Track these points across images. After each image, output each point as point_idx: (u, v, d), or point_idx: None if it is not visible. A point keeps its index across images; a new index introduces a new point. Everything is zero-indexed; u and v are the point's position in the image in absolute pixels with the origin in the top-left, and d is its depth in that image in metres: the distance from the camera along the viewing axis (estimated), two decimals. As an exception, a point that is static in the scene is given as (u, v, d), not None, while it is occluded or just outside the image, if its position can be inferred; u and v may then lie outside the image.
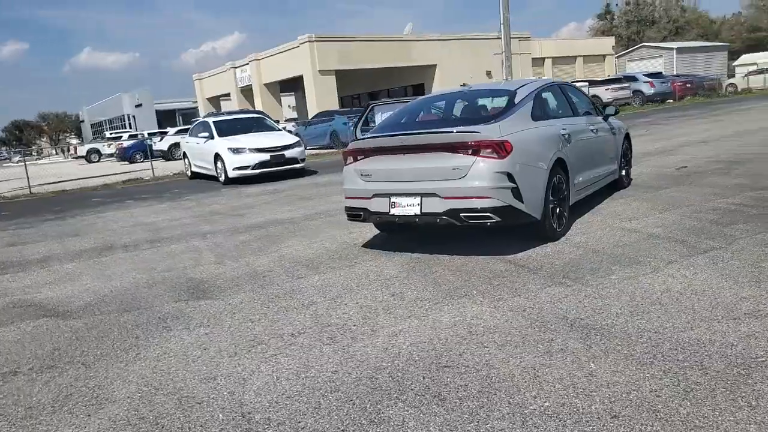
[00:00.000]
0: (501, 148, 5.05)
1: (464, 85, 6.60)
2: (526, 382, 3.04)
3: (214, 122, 14.74)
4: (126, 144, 32.16)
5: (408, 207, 5.37)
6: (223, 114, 16.67)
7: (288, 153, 13.70)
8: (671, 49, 45.35)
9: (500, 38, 37.76)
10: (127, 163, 30.21)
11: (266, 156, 13.40)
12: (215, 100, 46.20)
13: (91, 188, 17.12)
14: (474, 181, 5.05)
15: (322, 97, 31.39)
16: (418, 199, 5.31)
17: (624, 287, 4.28)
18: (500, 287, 4.54)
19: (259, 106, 35.20)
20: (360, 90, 38.98)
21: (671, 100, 29.53)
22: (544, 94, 6.22)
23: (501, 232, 6.05)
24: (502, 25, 22.66)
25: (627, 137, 8.33)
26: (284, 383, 3.28)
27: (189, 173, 16.36)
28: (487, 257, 5.37)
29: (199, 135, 14.80)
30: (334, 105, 31.39)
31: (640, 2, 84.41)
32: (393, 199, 5.45)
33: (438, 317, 4.04)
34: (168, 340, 4.11)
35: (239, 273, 5.74)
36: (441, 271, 5.09)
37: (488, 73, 37.58)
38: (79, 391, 3.43)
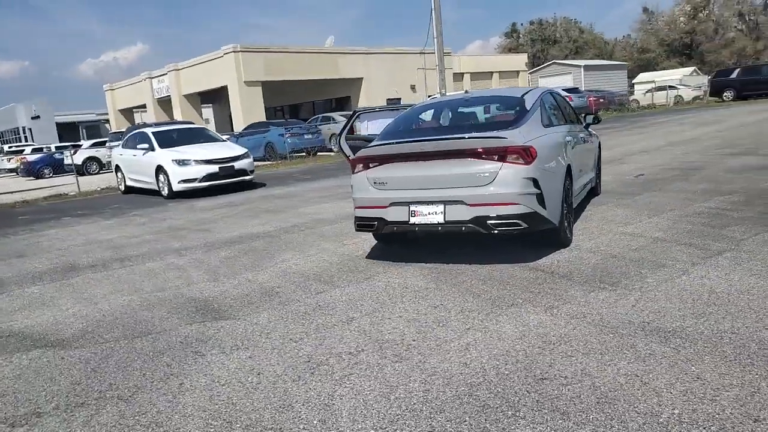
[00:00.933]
0: (527, 154, 5.00)
1: (466, 92, 6.53)
2: (638, 389, 2.94)
3: (153, 133, 13.90)
4: (31, 158, 29.73)
5: (430, 215, 5.20)
6: (160, 125, 15.78)
7: (237, 164, 13.13)
8: (579, 66, 48.06)
9: (424, 53, 38.59)
10: (33, 178, 27.96)
11: (214, 168, 12.77)
12: (128, 112, 43.95)
13: (9, 205, 15.62)
14: (502, 187, 4.97)
15: (248, 108, 30.58)
16: (441, 207, 5.15)
17: (667, 290, 4.32)
18: (542, 295, 4.46)
19: (178, 118, 33.77)
20: (285, 102, 38.36)
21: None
22: (546, 102, 6.27)
23: (500, 240, 6.00)
24: (435, 39, 22.98)
25: (599, 146, 8.60)
26: (376, 406, 3.01)
27: (122, 187, 15.31)
28: (508, 265, 5.29)
29: (138, 147, 13.88)
30: (260, 117, 30.66)
31: (543, 22, 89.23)
32: (413, 207, 5.26)
33: (499, 328, 3.89)
34: (208, 367, 3.70)
35: (246, 290, 5.33)
36: (470, 281, 4.95)
37: (413, 87, 38.17)
38: (135, 430, 2.98)
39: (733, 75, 31.50)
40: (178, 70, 35.44)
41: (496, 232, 5.08)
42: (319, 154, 22.45)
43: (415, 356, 3.58)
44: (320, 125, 23.27)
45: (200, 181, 12.65)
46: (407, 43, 47.32)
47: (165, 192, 13.02)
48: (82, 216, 11.74)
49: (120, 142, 17.03)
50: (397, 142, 5.46)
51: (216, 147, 13.59)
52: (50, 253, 8.04)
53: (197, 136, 14.44)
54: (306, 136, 21.48)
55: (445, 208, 5.12)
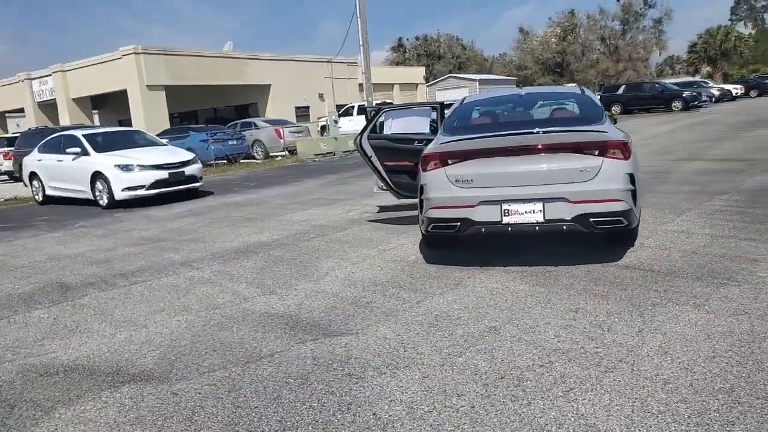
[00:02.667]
0: (626, 149, 4.87)
1: (518, 92, 6.29)
2: None
3: (85, 136, 12.35)
4: None
5: (527, 214, 4.89)
6: (90, 128, 14.11)
7: (187, 170, 12.00)
8: (475, 80, 50.12)
9: (332, 62, 38.30)
10: None
11: (164, 174, 11.56)
12: (0, 117, 39.41)
13: None
14: (605, 183, 4.78)
15: (151, 114, 28.48)
16: (539, 205, 4.86)
17: (791, 282, 4.33)
18: (671, 293, 4.32)
19: (65, 123, 30.70)
20: (188, 108, 36.22)
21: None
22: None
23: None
24: (361, 47, 22.79)
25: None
26: (650, 421, 2.65)
27: (39, 197, 13.46)
28: (597, 265, 5.11)
29: (65, 151, 12.26)
30: (164, 123, 28.69)
31: (428, 38, 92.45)
32: (506, 206, 4.92)
33: (675, 329, 3.68)
34: (385, 390, 3.15)
35: (326, 302, 4.71)
36: (575, 282, 4.70)
37: (321, 96, 37.66)
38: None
39: (620, 91, 34.21)
40: (65, 71, 32.26)
41: (597, 230, 4.88)
42: (241, 161, 21.31)
43: (619, 364, 3.26)
44: (242, 131, 22.12)
45: (147, 189, 11.40)
46: (312, 51, 46.28)
47: (104, 201, 11.59)
48: (15, 230, 10.10)
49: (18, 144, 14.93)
50: (483, 137, 5.11)
51: (161, 151, 12.36)
52: (16, 272, 6.75)
53: (135, 139, 13.06)
54: (230, 142, 20.30)
55: (544, 206, 4.84)
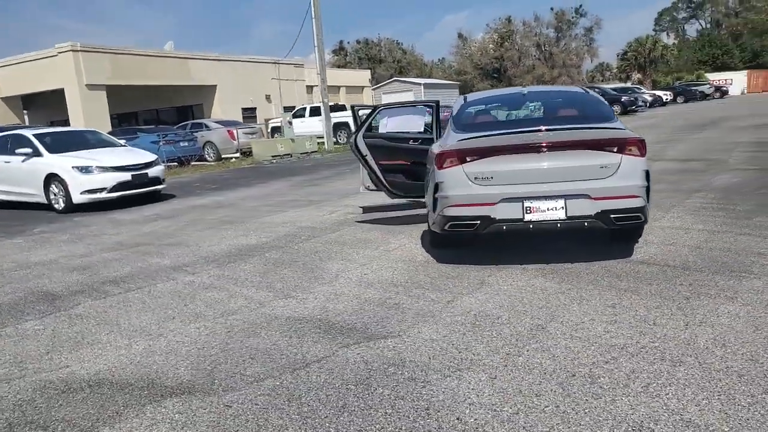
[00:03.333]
0: (642, 146, 4.94)
1: (521, 90, 6.26)
2: None
3: (36, 135, 11.57)
4: None
5: (549, 211, 4.87)
6: (37, 127, 13.25)
7: (151, 172, 11.44)
8: (420, 84, 50.56)
9: (278, 63, 37.74)
10: None
11: (127, 176, 10.97)
12: None
13: None
14: (625, 179, 4.83)
15: (91, 114, 27.12)
16: (561, 202, 4.85)
17: (806, 274, 4.50)
18: (696, 286, 4.40)
19: (-6, 125, 28.83)
20: (127, 109, 34.72)
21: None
22: (597, 100, 6.28)
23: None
24: (316, 47, 22.53)
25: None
26: (745, 414, 2.65)
27: (-19, 202, 12.51)
28: (612, 261, 5.17)
29: (14, 152, 11.43)
30: (105, 124, 27.36)
31: (369, 42, 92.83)
32: (528, 203, 4.89)
33: (720, 321, 3.74)
34: (472, 393, 3.01)
35: (352, 305, 4.55)
36: (602, 279, 4.73)
37: (268, 98, 37.01)
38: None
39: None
40: (-7, 69, 30.30)
41: (616, 226, 4.93)
42: (193, 164, 20.59)
43: (684, 358, 3.27)
44: (192, 132, 21.38)
45: (109, 192, 10.79)
46: (239, 53, 44.93)
47: (60, 205, 10.88)
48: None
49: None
50: (503, 133, 5.06)
51: (122, 152, 11.73)
52: (-15, 280, 6.20)
53: (89, 139, 12.34)
54: (182, 144, 19.58)
55: (566, 202, 4.84)
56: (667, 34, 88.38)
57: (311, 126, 26.79)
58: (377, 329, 3.99)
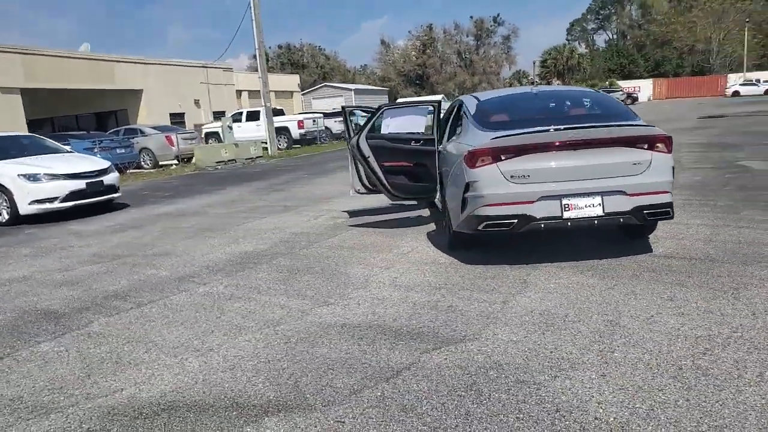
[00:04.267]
0: (670, 143, 5.07)
1: (533, 83, 6.27)
2: None
3: (-29, 141, 10.53)
4: None
5: (587, 208, 4.91)
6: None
7: (106, 179, 10.68)
8: (350, 89, 50.55)
9: (206, 67, 36.57)
10: None
11: (81, 184, 10.17)
12: None
13: None
14: (656, 176, 4.94)
15: (5, 120, 25.11)
16: (598, 199, 4.90)
17: (827, 261, 4.77)
18: (738, 276, 4.55)
19: None
20: (44, 115, 32.42)
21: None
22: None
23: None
24: (257, 50, 21.96)
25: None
26: None
27: None
28: (639, 256, 5.27)
29: (-53, 159, 10.34)
30: (22, 130, 25.43)
31: (291, 47, 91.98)
32: (566, 200, 4.91)
33: (781, 308, 3.86)
34: (594, 394, 2.94)
35: (406, 309, 4.38)
36: (641, 274, 4.80)
37: (197, 103, 35.76)
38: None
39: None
40: None
41: (648, 222, 5.05)
42: (129, 171, 19.49)
43: (771, 344, 3.34)
44: (128, 138, 20.23)
45: (62, 201, 9.96)
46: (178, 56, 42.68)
47: (3, 217, 9.94)
48: None
49: None
50: (539, 131, 5.04)
51: (73, 158, 10.89)
52: (-42, 300, 5.52)
53: (31, 145, 11.37)
54: (118, 151, 18.47)
55: (603, 199, 4.89)
56: (578, 44, 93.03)
57: (248, 131, 26.08)
58: (448, 333, 3.85)
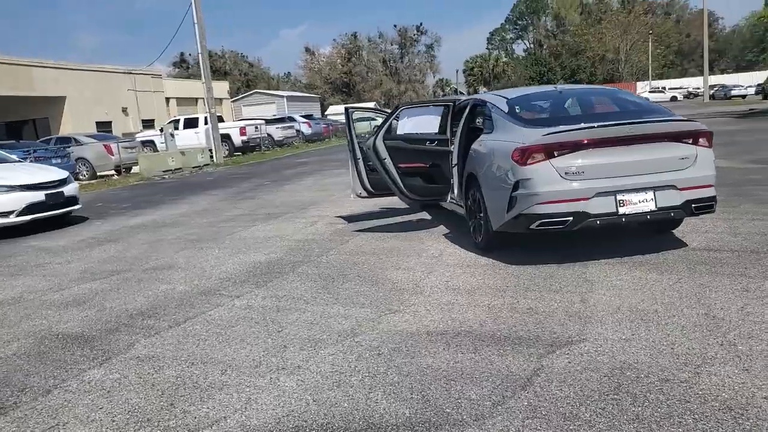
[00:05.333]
0: (711, 138, 5.16)
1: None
2: None
3: None
4: None
5: (641, 204, 4.90)
6: None
7: (67, 191, 9.80)
8: (283, 96, 49.75)
9: (133, 74, 34.92)
10: None
11: (40, 195, 9.27)
12: None
13: None
14: (702, 170, 5.00)
15: None
16: (651, 194, 4.90)
17: None
18: (789, 266, 4.66)
19: None
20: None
21: (321, 140, 32.34)
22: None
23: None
24: (200, 54, 21.08)
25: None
26: None
27: None
28: (681, 251, 5.32)
29: None
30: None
31: (212, 54, 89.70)
32: (621, 196, 4.87)
33: None
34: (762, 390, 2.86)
35: (481, 313, 4.18)
36: (696, 267, 4.82)
37: (125, 110, 34.03)
38: None
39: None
40: None
41: (695, 215, 5.11)
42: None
43: None
44: (61, 148, 18.83)
45: (19, 215, 9.04)
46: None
47: (-50, 233, 8.91)
48: None
49: None
50: (592, 127, 4.98)
51: (28, 168, 9.96)
52: (-51, 328, 4.81)
53: (-26, 154, 10.29)
54: (54, 161, 17.10)
55: (655, 194, 4.90)
56: (498, 53, 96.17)
57: (186, 139, 24.98)
58: (549, 336, 3.68)
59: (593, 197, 4.85)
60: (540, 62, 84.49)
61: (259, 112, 45.97)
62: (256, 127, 26.33)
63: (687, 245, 5.48)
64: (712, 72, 66.70)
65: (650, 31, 72.49)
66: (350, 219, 8.33)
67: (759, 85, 49.08)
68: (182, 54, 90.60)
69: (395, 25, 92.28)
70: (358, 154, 7.32)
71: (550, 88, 6.47)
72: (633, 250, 5.39)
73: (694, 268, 4.77)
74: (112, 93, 32.67)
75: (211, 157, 21.49)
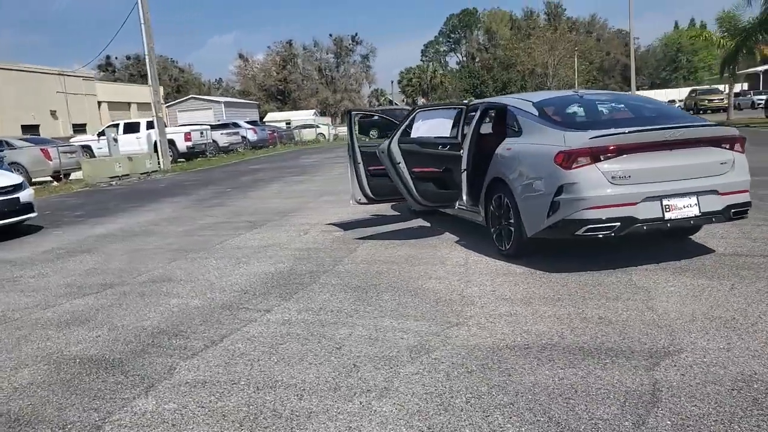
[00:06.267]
0: (744, 143, 5.19)
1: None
2: None
3: None
4: None
5: (685, 209, 4.83)
6: None
7: (23, 197, 8.88)
8: (220, 102, 48.45)
9: (63, 75, 32.96)
10: None
11: (-8, 201, 8.35)
12: None
13: None
14: (740, 175, 5.01)
15: None
16: (694, 199, 4.85)
17: None
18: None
19: None
20: None
21: (266, 147, 31.48)
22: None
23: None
24: (147, 56, 20.01)
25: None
26: None
27: None
28: (711, 256, 5.31)
29: None
30: None
31: (140, 58, 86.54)
32: (666, 201, 4.79)
33: None
34: None
35: (559, 324, 3.95)
36: (739, 272, 4.80)
37: (53, 114, 31.98)
38: None
39: (375, 117, 36.60)
40: None
41: (733, 220, 5.11)
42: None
43: None
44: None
45: (-31, 223, 8.09)
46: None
47: None
48: None
49: None
50: (638, 131, 4.87)
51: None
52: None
53: None
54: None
55: (698, 199, 4.85)
56: (432, 65, 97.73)
57: (126, 144, 23.63)
58: (641, 347, 3.49)
59: (641, 202, 4.75)
60: (473, 75, 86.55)
61: (195, 117, 44.49)
62: (202, 133, 25.31)
63: (714, 251, 5.48)
64: (630, 88, 70.51)
65: (576, 48, 75.74)
66: (344, 227, 7.96)
67: (671, 100, 52.02)
68: (108, 57, 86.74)
69: (331, 35, 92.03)
70: (359, 159, 6.99)
71: (568, 92, 6.38)
72: (661, 256, 5.33)
73: (739, 273, 4.73)
74: (41, 95, 30.63)
75: (159, 163, 20.40)
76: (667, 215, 4.80)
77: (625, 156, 4.78)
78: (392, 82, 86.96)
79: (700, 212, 4.85)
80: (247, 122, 32.75)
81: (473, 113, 6.73)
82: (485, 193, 6.05)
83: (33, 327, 4.59)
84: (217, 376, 3.46)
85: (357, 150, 6.98)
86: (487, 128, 7.07)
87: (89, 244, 7.94)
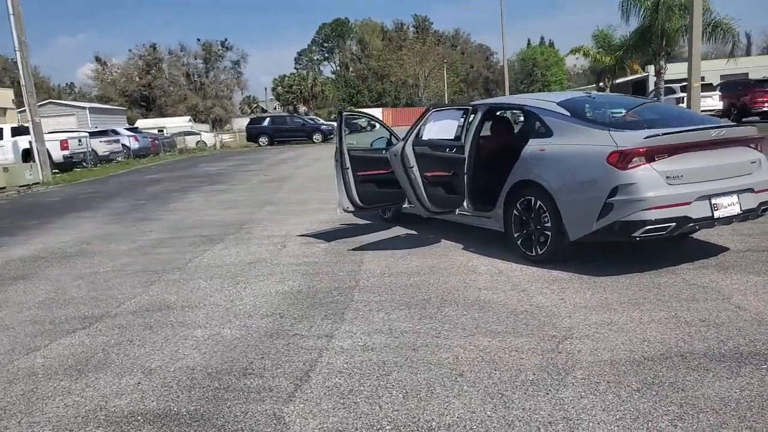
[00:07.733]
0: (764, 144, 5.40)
1: (589, 94, 5.98)
2: None
3: None
4: None
5: (729, 207, 4.91)
6: None
7: None
8: (84, 108, 44.39)
9: None
10: None
11: None
12: None
13: None
14: (766, 173, 5.20)
15: None
16: (735, 197, 4.94)
17: None
18: None
19: None
20: None
21: (149, 155, 29.07)
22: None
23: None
24: (18, 52, 17.57)
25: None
26: None
27: None
28: (731, 253, 5.48)
29: None
30: None
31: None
32: (714, 200, 4.83)
33: None
34: None
35: (656, 331, 3.77)
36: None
37: None
38: None
39: (265, 123, 35.44)
40: None
41: (760, 216, 5.27)
42: None
43: None
44: None
45: None
46: None
47: None
48: None
49: None
50: (688, 130, 4.86)
51: None
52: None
53: None
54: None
55: (738, 197, 4.96)
56: (306, 73, 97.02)
57: (9, 154, 20.82)
58: (743, 349, 3.39)
59: (694, 201, 4.74)
60: (349, 84, 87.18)
61: (56, 125, 40.24)
62: (80, 141, 22.79)
63: (730, 249, 5.63)
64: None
65: (444, 60, 79.06)
66: (323, 237, 7.36)
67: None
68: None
69: (199, 39, 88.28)
70: (347, 164, 6.49)
71: (582, 94, 6.33)
72: (687, 256, 5.40)
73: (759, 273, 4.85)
74: None
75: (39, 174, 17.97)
76: (716, 214, 4.84)
77: (675, 156, 4.76)
78: (266, 89, 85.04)
79: (740, 210, 4.95)
80: (126, 129, 30.13)
81: (474, 114, 6.48)
82: (506, 197, 5.79)
83: (32, 378, 3.57)
84: (346, 422, 2.83)
85: (346, 154, 6.46)
86: (490, 130, 6.86)
87: (17, 270, 6.59)
